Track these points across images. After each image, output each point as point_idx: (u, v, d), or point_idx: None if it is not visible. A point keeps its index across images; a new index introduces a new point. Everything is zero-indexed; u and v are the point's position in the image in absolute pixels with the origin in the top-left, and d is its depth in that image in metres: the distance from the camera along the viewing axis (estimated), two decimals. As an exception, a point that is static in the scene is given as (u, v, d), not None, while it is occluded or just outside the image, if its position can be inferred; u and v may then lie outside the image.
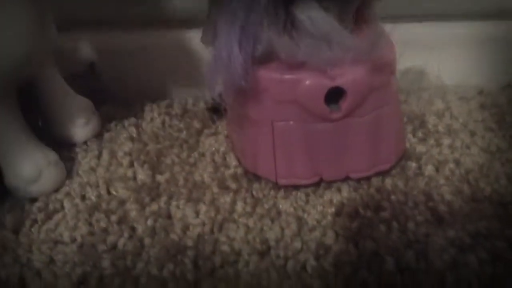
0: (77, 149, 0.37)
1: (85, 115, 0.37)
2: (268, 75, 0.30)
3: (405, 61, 0.36)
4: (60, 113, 0.37)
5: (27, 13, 0.29)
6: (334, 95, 0.30)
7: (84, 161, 0.36)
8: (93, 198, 0.33)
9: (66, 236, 0.30)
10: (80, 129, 0.37)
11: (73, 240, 0.30)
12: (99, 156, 0.37)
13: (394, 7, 0.40)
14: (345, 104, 0.30)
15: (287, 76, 0.29)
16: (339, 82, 0.29)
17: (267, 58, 0.29)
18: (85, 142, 0.38)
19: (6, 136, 0.32)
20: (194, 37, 0.41)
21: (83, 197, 0.33)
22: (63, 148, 0.37)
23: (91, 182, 0.34)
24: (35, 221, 0.32)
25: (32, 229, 0.31)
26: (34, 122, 0.35)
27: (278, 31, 0.28)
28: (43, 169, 0.33)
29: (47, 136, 0.36)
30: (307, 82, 0.29)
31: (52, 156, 0.34)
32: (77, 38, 0.44)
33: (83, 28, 0.43)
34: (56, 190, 0.34)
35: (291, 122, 0.30)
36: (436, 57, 0.43)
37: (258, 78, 0.30)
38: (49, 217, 0.32)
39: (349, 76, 0.29)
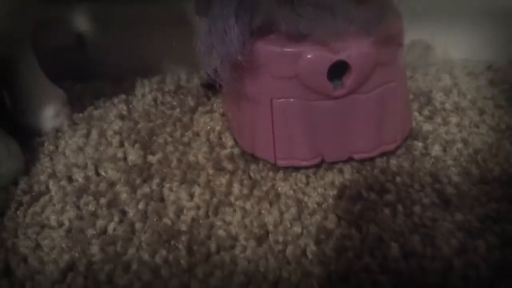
0: (64, 128, 0.37)
1: (56, 107, 0.36)
2: (266, 48, 0.29)
3: (410, 35, 0.36)
4: (29, 101, 0.35)
5: None
6: (338, 70, 0.29)
7: (72, 140, 0.35)
8: (80, 179, 0.32)
9: (53, 220, 0.30)
10: (49, 120, 0.36)
11: (61, 224, 0.30)
12: (87, 135, 0.36)
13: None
14: (349, 80, 0.29)
15: (287, 49, 0.29)
16: (343, 55, 0.28)
17: (265, 29, 0.29)
18: (72, 121, 0.37)
19: None
20: (187, 8, 0.41)
21: (69, 179, 0.33)
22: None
23: (78, 163, 0.34)
24: (20, 203, 0.31)
25: (18, 212, 0.30)
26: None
27: (278, 0, 0.27)
28: (2, 160, 0.31)
29: (13, 120, 0.35)
30: (309, 56, 0.28)
31: (13, 146, 0.32)
32: (64, 8, 0.42)
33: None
34: (42, 172, 0.33)
35: (291, 100, 0.30)
36: (443, 30, 0.42)
37: (256, 52, 0.29)
38: (35, 199, 0.31)
39: (353, 50, 0.29)
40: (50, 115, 0.36)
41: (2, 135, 0.32)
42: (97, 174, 0.33)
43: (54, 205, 0.31)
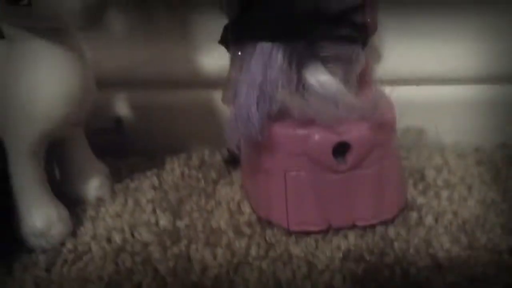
0: (106, 197, 0.40)
1: (100, 179, 0.40)
2: (282, 130, 0.32)
3: (405, 120, 0.39)
4: (77, 175, 0.39)
5: (75, 74, 0.32)
6: (341, 149, 0.32)
7: (111, 207, 0.39)
8: (118, 241, 0.35)
9: (94, 276, 0.32)
10: (94, 190, 0.39)
11: (101, 279, 0.32)
12: (124, 203, 0.39)
13: (393, 71, 0.43)
14: (350, 157, 0.32)
15: (299, 132, 0.32)
16: (345, 137, 0.31)
17: (281, 115, 0.32)
18: (113, 191, 0.40)
19: (26, 188, 0.34)
20: (214, 97, 0.45)
21: (108, 240, 0.35)
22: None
23: (116, 227, 0.36)
24: (65, 261, 0.34)
25: (63, 269, 0.33)
26: (50, 175, 0.37)
27: (291, 92, 0.31)
28: (54, 224, 0.35)
29: (61, 190, 0.38)
30: (316, 137, 0.31)
31: (63, 212, 0.36)
32: (105, 94, 0.45)
33: (112, 85, 0.46)
34: (85, 234, 0.36)
35: (302, 173, 0.33)
36: (434, 117, 0.45)
37: (273, 133, 0.32)
38: (78, 257, 0.34)
39: (354, 133, 0.32)
40: (94, 186, 0.39)
41: (54, 202, 0.35)
42: (133, 236, 0.35)
43: (95, 262, 0.33)
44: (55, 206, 0.35)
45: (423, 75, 0.45)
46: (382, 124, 0.33)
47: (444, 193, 0.38)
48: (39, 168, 0.35)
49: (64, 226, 0.35)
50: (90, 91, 0.34)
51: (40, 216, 0.34)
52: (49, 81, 0.32)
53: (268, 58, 0.31)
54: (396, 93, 0.33)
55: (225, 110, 0.34)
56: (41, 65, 0.32)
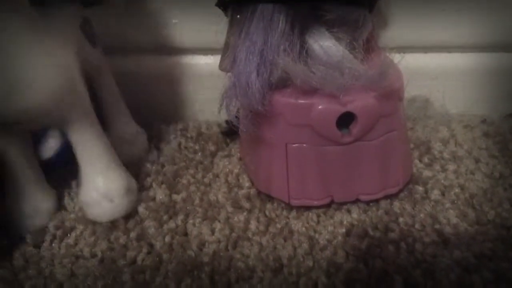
0: None
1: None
2: (283, 100, 0.31)
3: (411, 90, 0.38)
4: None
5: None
6: (345, 120, 0.31)
7: None
8: None
9: (86, 252, 0.31)
10: None
11: (93, 255, 0.31)
12: None
13: (401, 38, 0.42)
14: (355, 129, 0.31)
15: (301, 101, 0.31)
16: (350, 107, 0.30)
17: (282, 83, 0.31)
18: None
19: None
20: (211, 64, 0.43)
21: None
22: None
23: None
24: (54, 236, 0.33)
25: (53, 244, 0.32)
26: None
27: (293, 58, 0.30)
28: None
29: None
30: (320, 107, 0.30)
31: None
32: None
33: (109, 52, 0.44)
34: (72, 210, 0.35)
35: (304, 145, 0.32)
36: (440, 87, 0.44)
37: (274, 103, 0.31)
38: (66, 234, 0.33)
39: (359, 102, 0.30)
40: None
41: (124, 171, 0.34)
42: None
43: (85, 238, 0.32)
44: (124, 176, 0.34)
45: (431, 42, 0.44)
46: (389, 93, 0.32)
47: (451, 166, 0.38)
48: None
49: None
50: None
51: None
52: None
53: (268, 22, 0.29)
54: (402, 61, 0.32)
55: (224, 78, 0.32)
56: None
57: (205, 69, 0.44)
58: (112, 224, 0.33)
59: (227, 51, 0.33)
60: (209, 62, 0.44)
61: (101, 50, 0.38)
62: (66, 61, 0.30)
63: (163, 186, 0.37)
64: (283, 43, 0.30)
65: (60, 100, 0.29)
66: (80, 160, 0.32)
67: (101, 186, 0.32)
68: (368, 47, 0.32)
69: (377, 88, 0.31)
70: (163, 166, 0.39)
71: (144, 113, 0.44)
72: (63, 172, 0.37)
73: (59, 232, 0.33)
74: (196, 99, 0.46)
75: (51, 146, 0.37)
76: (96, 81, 0.37)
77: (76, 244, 0.32)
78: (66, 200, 0.36)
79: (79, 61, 0.32)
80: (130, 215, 0.34)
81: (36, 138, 0.36)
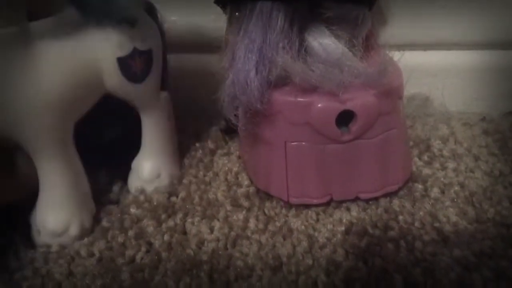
0: None
1: None
2: (282, 98, 0.31)
3: (410, 88, 0.38)
4: None
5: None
6: (345, 118, 0.31)
7: None
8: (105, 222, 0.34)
9: (83, 252, 0.31)
10: None
11: (91, 254, 0.31)
12: None
13: (400, 35, 0.42)
14: (355, 127, 0.31)
15: (300, 99, 0.30)
16: (349, 105, 0.30)
17: (281, 81, 0.31)
18: None
19: None
20: (210, 62, 0.43)
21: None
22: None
23: None
24: None
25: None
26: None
27: (292, 56, 0.30)
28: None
29: None
30: (319, 105, 0.30)
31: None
32: None
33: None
34: None
35: (304, 143, 0.31)
36: (440, 85, 0.44)
37: (273, 101, 0.31)
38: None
39: (359, 100, 0.30)
40: None
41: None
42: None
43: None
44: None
45: (430, 40, 0.44)
46: (389, 91, 0.31)
47: (451, 164, 0.37)
48: None
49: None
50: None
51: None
52: None
53: (267, 19, 0.29)
54: (401, 59, 0.32)
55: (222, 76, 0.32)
56: None
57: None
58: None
59: (226, 49, 0.33)
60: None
61: (154, 89, 0.34)
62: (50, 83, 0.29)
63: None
64: (282, 41, 0.30)
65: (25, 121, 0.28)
66: (41, 185, 0.31)
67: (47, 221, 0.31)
68: (367, 45, 0.33)
69: (376, 86, 0.30)
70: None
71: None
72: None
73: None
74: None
75: (111, 131, 0.36)
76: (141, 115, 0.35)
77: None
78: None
79: (82, 87, 0.30)
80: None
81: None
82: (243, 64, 0.30)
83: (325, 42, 0.30)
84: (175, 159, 0.38)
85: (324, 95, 0.30)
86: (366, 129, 0.31)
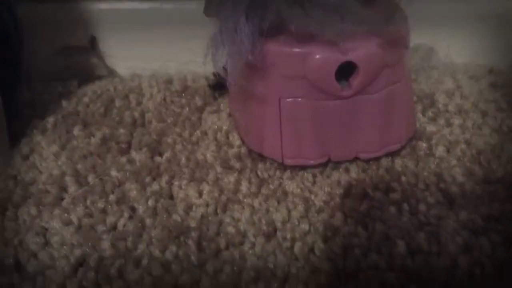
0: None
1: None
2: (276, 48, 0.29)
3: (414, 38, 0.36)
4: None
5: None
6: (345, 71, 0.29)
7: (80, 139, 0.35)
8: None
9: (60, 219, 0.29)
10: None
11: (69, 222, 0.29)
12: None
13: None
14: (356, 81, 0.29)
15: (297, 50, 0.29)
16: (351, 56, 0.29)
17: (275, 30, 0.29)
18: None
19: None
20: (194, 9, 0.40)
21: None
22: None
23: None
24: (18, 204, 0.30)
25: (18, 213, 0.30)
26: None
27: (288, 0, 0.28)
28: None
29: None
30: (317, 56, 0.28)
31: None
32: (77, 10, 0.42)
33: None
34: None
35: (300, 99, 0.30)
36: (445, 34, 0.42)
37: (266, 52, 0.29)
38: (37, 201, 0.31)
39: (361, 51, 0.29)
40: None
41: None
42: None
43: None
44: None
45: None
46: (394, 41, 0.30)
47: (456, 121, 0.36)
48: None
49: None
50: None
51: None
52: None
53: (260, -43, 0.27)
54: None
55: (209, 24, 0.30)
56: None
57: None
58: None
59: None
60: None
61: None
62: None
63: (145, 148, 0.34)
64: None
65: None
66: None
67: None
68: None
69: (381, 35, 0.29)
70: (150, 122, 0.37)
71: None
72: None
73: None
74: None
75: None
76: None
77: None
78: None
79: None
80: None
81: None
82: (233, 10, 0.28)
83: (324, -15, 0.28)
84: None
85: (323, 44, 0.28)
86: (369, 83, 0.30)
